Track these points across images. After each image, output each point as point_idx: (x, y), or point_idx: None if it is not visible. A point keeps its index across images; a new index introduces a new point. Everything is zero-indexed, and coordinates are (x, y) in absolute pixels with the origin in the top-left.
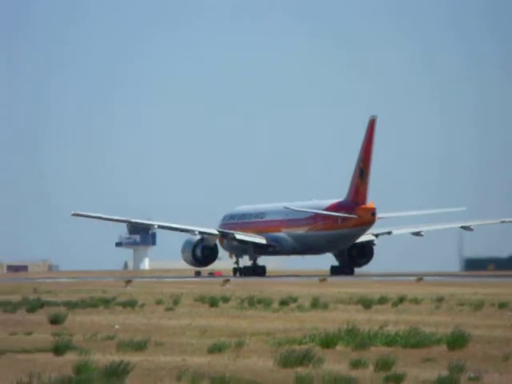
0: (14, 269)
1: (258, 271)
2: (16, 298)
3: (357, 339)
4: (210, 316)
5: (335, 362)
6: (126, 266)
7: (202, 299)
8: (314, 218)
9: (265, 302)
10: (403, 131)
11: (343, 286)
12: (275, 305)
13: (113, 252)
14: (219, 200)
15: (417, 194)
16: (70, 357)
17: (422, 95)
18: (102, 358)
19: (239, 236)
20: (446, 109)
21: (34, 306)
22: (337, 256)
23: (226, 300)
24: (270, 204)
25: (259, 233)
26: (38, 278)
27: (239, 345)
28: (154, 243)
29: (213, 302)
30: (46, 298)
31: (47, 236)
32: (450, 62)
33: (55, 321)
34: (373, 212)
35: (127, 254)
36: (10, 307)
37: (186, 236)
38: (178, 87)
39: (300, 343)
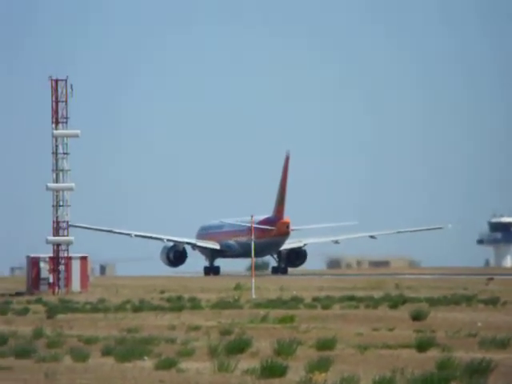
0: (375, 264)
1: (214, 270)
2: (378, 293)
3: None
4: None
5: None
6: (487, 263)
7: None
8: (250, 230)
9: None
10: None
11: None
12: None
13: (474, 249)
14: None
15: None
16: (433, 353)
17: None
18: (465, 355)
19: (199, 243)
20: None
21: (397, 302)
22: (276, 259)
23: None
24: (228, 219)
25: (219, 241)
26: (400, 273)
27: None
28: None
29: None
30: (407, 294)
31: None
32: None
33: (417, 317)
34: (287, 225)
35: (488, 251)
36: (372, 303)
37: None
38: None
39: None
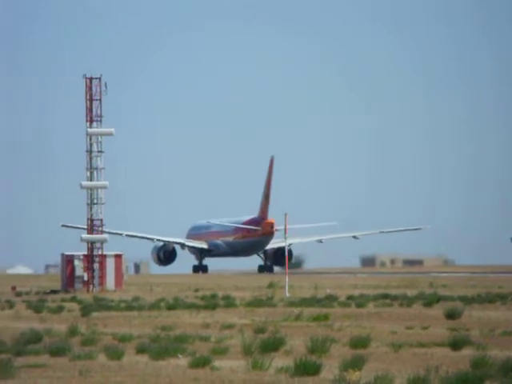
0: (409, 263)
1: (202, 268)
2: (412, 292)
3: None
4: None
5: None
6: None
7: None
8: (236, 230)
9: None
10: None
11: None
12: None
13: (508, 246)
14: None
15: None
16: (467, 352)
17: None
18: (500, 353)
19: (188, 243)
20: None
21: (431, 301)
22: (263, 258)
23: None
24: (215, 219)
25: (207, 240)
26: (434, 272)
27: None
28: None
29: None
30: (441, 292)
31: (440, 230)
32: None
33: (451, 315)
34: (272, 225)
35: None
36: (406, 301)
37: None
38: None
39: None
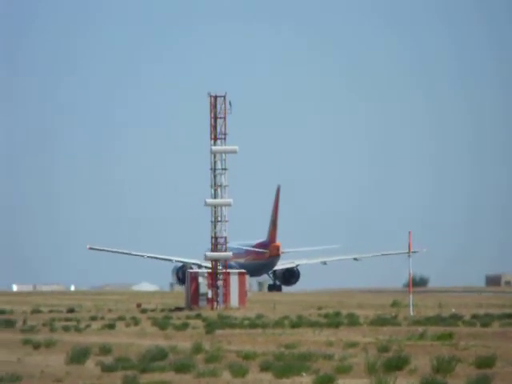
0: None
1: None
2: None
3: None
4: None
5: None
6: None
7: None
8: (247, 252)
9: None
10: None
11: None
12: None
13: None
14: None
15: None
16: None
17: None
18: None
19: (204, 263)
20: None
21: None
22: (272, 278)
23: None
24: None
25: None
26: None
27: None
28: None
29: None
30: None
31: None
32: None
33: None
34: (278, 248)
35: None
36: None
37: None
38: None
39: None
